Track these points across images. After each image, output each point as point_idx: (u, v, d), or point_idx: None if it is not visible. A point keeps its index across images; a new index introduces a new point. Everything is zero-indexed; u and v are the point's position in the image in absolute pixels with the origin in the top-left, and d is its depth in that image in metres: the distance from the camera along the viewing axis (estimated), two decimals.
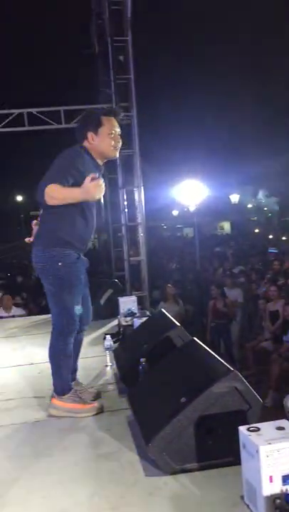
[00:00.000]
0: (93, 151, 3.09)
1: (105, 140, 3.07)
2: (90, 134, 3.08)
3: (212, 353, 2.68)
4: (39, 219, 3.21)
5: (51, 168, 2.94)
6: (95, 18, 9.41)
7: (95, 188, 2.88)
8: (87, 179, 2.87)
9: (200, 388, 2.35)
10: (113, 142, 3.10)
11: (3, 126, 8.42)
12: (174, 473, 2.29)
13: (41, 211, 3.17)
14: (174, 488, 2.21)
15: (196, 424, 2.31)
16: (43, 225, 3.10)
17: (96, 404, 3.16)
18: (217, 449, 2.32)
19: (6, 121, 8.35)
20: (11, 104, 8.73)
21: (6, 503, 2.19)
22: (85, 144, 3.10)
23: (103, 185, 2.97)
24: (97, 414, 3.09)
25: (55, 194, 2.82)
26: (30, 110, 8.40)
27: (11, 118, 8.31)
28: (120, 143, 3.16)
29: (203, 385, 2.36)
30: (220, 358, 2.56)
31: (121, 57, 8.46)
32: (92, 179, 2.88)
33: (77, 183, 2.89)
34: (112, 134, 3.09)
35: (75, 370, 3.36)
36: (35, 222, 3.27)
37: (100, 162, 3.15)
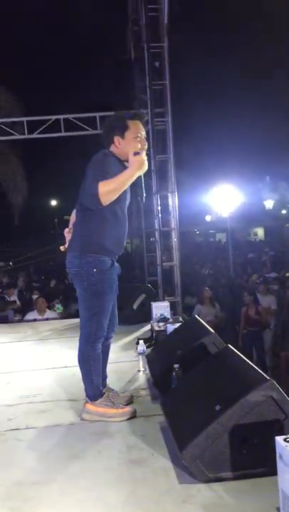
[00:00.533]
0: (120, 155, 3.11)
1: (131, 143, 3.08)
2: (116, 138, 3.11)
3: (247, 361, 2.65)
4: (71, 226, 3.24)
5: (88, 175, 2.97)
6: (131, 25, 9.49)
7: (140, 162, 2.93)
8: (130, 154, 2.92)
9: (235, 396, 2.32)
10: (139, 145, 3.11)
11: (40, 132, 8.57)
12: (207, 481, 2.27)
13: (74, 218, 3.20)
14: (208, 496, 2.19)
15: (230, 433, 2.28)
16: (78, 231, 3.13)
17: (129, 408, 3.17)
18: (252, 458, 2.29)
19: (43, 127, 8.50)
20: (48, 110, 8.90)
21: (39, 504, 2.22)
22: (112, 148, 3.13)
23: (146, 158, 2.99)
24: (130, 419, 3.09)
25: (109, 188, 2.87)
26: (66, 116, 8.53)
27: (48, 124, 8.45)
28: (146, 146, 3.17)
29: (239, 393, 2.33)
30: (255, 366, 2.53)
31: (156, 64, 8.50)
32: (135, 154, 2.93)
33: None
34: (138, 137, 3.12)
35: (105, 376, 3.36)
36: (67, 230, 3.30)
37: (128, 165, 3.13)
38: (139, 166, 2.94)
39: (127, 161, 3.07)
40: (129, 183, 3.00)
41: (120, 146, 3.10)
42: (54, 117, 8.46)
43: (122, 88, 10.95)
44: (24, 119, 8.80)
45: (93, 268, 3.02)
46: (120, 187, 2.94)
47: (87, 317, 3.12)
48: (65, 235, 3.30)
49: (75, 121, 8.56)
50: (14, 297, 10.82)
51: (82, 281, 3.07)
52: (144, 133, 3.16)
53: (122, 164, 3.09)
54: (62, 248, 3.30)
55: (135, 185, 3.07)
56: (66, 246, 3.23)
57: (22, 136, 8.76)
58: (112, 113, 8.71)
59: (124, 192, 3.05)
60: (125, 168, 3.06)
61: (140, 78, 9.10)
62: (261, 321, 8.88)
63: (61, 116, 8.49)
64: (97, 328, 3.10)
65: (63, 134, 8.59)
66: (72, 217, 3.29)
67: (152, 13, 8.32)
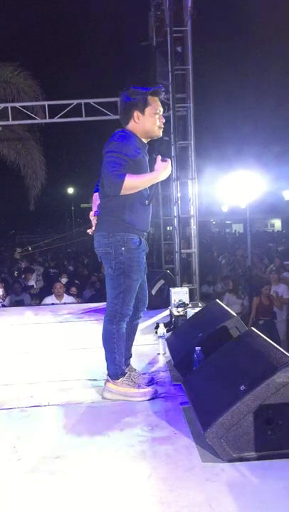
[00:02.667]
0: (139, 131, 3.14)
1: (151, 119, 3.13)
2: (136, 113, 3.12)
3: (272, 343, 2.63)
4: (96, 209, 3.24)
5: (108, 159, 2.95)
6: (154, 10, 9.37)
7: (166, 169, 2.98)
8: (158, 159, 2.97)
9: (261, 377, 2.31)
10: (158, 122, 3.15)
11: (61, 117, 8.56)
12: (231, 460, 2.27)
13: (98, 201, 3.20)
14: (232, 475, 2.19)
15: (255, 413, 2.28)
16: (104, 212, 3.12)
17: (150, 389, 3.18)
18: (277, 439, 2.28)
19: (65, 111, 8.48)
20: (69, 94, 8.87)
21: (64, 477, 2.24)
22: (131, 123, 3.14)
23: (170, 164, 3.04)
24: (151, 399, 3.10)
25: (133, 185, 2.93)
26: (87, 101, 8.49)
27: (69, 108, 8.42)
28: (164, 122, 3.21)
29: (264, 374, 2.32)
30: (281, 348, 2.51)
31: (179, 48, 8.40)
32: (162, 160, 2.97)
33: (132, 169, 2.97)
34: (157, 113, 3.15)
35: (129, 355, 3.38)
36: (92, 213, 3.29)
37: (145, 141, 3.20)
38: (165, 172, 3.00)
39: (145, 136, 3.16)
40: (151, 184, 3.06)
41: (140, 121, 3.13)
42: (75, 101, 8.43)
43: (144, 74, 10.86)
44: (46, 103, 8.79)
45: (121, 247, 3.04)
46: (143, 186, 3.04)
47: (113, 295, 3.13)
48: (91, 218, 3.29)
49: (96, 105, 8.51)
50: (32, 282, 10.89)
51: (110, 260, 3.08)
52: (162, 109, 3.21)
53: (140, 142, 3.13)
54: (90, 231, 3.29)
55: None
56: (93, 229, 3.24)
57: (43, 120, 8.75)
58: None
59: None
60: (144, 145, 3.15)
61: (162, 64, 9.00)
62: (271, 310, 8.85)
63: (82, 101, 8.45)
64: (123, 306, 3.11)
65: (84, 118, 8.56)
66: (96, 200, 3.29)
67: None
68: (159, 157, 3.00)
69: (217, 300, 4.13)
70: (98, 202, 3.22)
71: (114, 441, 2.58)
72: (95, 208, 3.27)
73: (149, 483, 2.16)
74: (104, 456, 2.43)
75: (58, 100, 8.75)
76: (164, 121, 3.20)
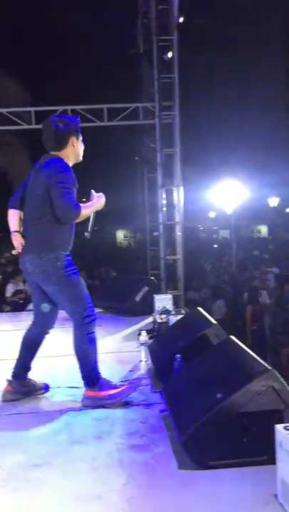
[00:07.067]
0: (73, 155, 3.32)
1: (82, 145, 3.36)
2: (73, 140, 3.29)
3: (249, 351, 2.67)
4: (15, 229, 3.31)
5: (61, 191, 3.08)
6: (141, 18, 9.45)
7: (102, 199, 3.26)
8: (94, 195, 3.25)
9: (236, 385, 2.35)
10: (83, 147, 3.38)
11: None
12: (208, 468, 2.30)
13: (15, 221, 3.31)
14: (208, 482, 2.22)
15: (231, 421, 2.31)
16: (35, 235, 3.21)
17: (126, 385, 3.25)
18: (252, 447, 2.31)
19: None
20: (56, 101, 8.89)
21: (41, 485, 2.25)
22: (66, 149, 3.27)
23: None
24: (128, 395, 3.16)
25: (84, 214, 3.15)
26: (74, 107, 8.52)
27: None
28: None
29: (240, 382, 2.36)
30: (257, 357, 2.56)
31: (165, 56, 8.48)
32: (96, 193, 3.26)
33: None
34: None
35: (29, 369, 3.46)
36: (16, 234, 3.31)
37: (71, 165, 3.35)
38: (101, 205, 3.26)
39: (74, 161, 3.34)
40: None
41: (76, 147, 3.31)
42: (62, 108, 8.45)
43: (130, 81, 10.94)
44: (32, 109, 8.80)
45: (56, 262, 3.14)
46: (90, 213, 3.23)
47: (72, 306, 3.20)
48: (14, 239, 3.31)
49: (83, 112, 8.55)
50: (21, 285, 10.78)
51: (50, 276, 3.16)
52: None
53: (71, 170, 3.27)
54: (14, 252, 3.33)
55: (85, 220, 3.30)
56: (18, 250, 3.28)
57: (30, 126, 8.76)
58: (120, 105, 8.78)
59: None
60: (71, 171, 3.27)
61: (148, 71, 9.08)
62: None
63: (69, 107, 8.49)
64: (86, 309, 3.18)
65: None
66: (13, 221, 3.35)
67: (162, 6, 8.30)
68: (93, 191, 3.26)
69: (198, 307, 4.17)
70: (14, 219, 3.33)
71: (92, 449, 2.60)
72: (14, 228, 3.33)
73: (126, 490, 2.18)
74: (82, 464, 2.44)
75: (45, 106, 8.78)
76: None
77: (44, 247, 3.16)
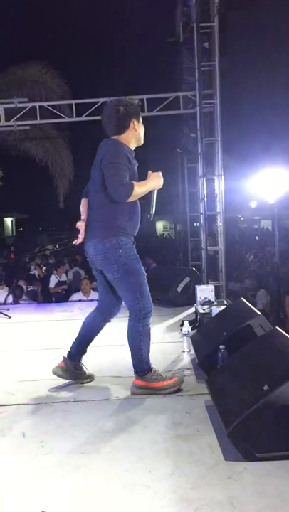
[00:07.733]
0: (134, 138, 3.29)
1: (142, 127, 3.34)
2: (134, 122, 3.25)
3: None
4: (84, 217, 3.33)
5: (111, 169, 3.07)
6: (181, 5, 9.33)
7: (159, 178, 3.23)
8: (150, 172, 3.22)
9: (284, 376, 2.31)
10: (144, 129, 3.36)
11: (88, 115, 8.63)
12: (253, 460, 2.28)
13: (90, 209, 3.30)
14: (254, 474, 2.20)
15: (278, 413, 2.28)
16: (96, 219, 3.22)
17: (176, 378, 3.26)
18: None
19: (91, 109, 8.54)
20: (95, 93, 8.93)
21: (89, 473, 2.29)
22: (127, 132, 3.24)
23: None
24: (179, 390, 3.19)
25: (140, 191, 3.13)
26: (113, 99, 8.51)
27: (95, 107, 8.48)
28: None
29: (287, 373, 2.32)
30: None
31: (206, 44, 8.35)
32: (153, 171, 3.22)
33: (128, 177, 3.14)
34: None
35: (84, 351, 3.51)
36: (79, 223, 3.34)
37: (133, 148, 3.31)
38: (160, 183, 3.25)
39: (136, 143, 3.30)
40: (149, 191, 3.25)
41: (137, 130, 3.28)
42: (102, 99, 8.48)
43: (170, 70, 10.85)
44: (73, 101, 8.87)
45: (118, 249, 3.13)
46: (144, 193, 3.20)
47: (130, 297, 3.20)
48: (78, 226, 3.33)
49: None
50: (64, 277, 10.99)
51: (112, 264, 3.16)
52: None
53: (130, 150, 3.24)
54: (75, 242, 3.35)
55: (146, 199, 3.28)
56: (81, 238, 3.29)
57: (70, 119, 8.84)
58: (159, 95, 8.73)
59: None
60: (133, 153, 3.25)
61: (188, 60, 8.98)
62: None
63: (109, 99, 8.48)
64: (144, 302, 3.18)
65: None
66: (82, 210, 3.37)
67: None
68: (150, 172, 3.22)
69: (242, 298, 4.13)
70: (84, 208, 3.34)
71: (139, 437, 2.63)
72: (84, 215, 3.35)
73: (172, 479, 2.20)
74: (128, 452, 2.47)
75: (85, 99, 8.83)
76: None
77: (106, 230, 3.15)
